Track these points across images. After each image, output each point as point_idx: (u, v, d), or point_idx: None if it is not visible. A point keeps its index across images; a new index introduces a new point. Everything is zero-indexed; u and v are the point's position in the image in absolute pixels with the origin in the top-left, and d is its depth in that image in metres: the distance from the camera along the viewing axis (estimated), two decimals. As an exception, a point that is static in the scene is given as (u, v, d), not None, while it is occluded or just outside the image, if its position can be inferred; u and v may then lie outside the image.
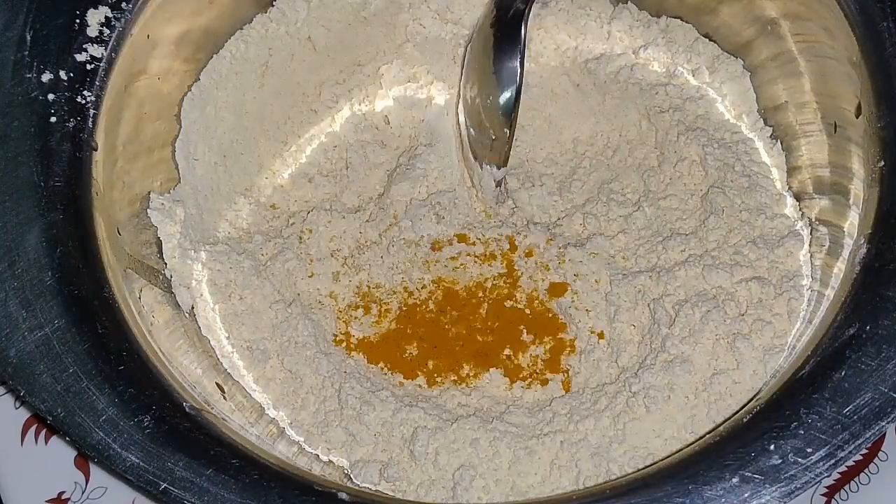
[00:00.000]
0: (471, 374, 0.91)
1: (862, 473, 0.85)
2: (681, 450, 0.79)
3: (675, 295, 0.89)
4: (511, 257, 0.96)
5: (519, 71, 0.91)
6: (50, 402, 0.72)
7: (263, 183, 1.00)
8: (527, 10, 0.92)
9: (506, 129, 0.93)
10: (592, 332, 0.92)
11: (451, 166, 1.01)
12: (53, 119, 0.80)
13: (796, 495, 0.68)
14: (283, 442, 0.85)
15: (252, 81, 0.99)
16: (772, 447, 0.70)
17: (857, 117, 0.84)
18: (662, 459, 0.79)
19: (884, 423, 0.70)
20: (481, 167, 0.98)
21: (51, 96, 0.81)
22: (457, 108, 1.02)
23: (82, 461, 0.85)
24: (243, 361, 0.89)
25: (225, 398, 0.84)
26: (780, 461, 0.69)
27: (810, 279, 0.87)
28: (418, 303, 0.95)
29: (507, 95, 0.92)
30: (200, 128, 0.96)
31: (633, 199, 0.97)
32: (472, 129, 0.99)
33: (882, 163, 0.80)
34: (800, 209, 0.93)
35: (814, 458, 0.69)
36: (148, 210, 0.89)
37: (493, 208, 0.99)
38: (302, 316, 0.90)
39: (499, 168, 0.96)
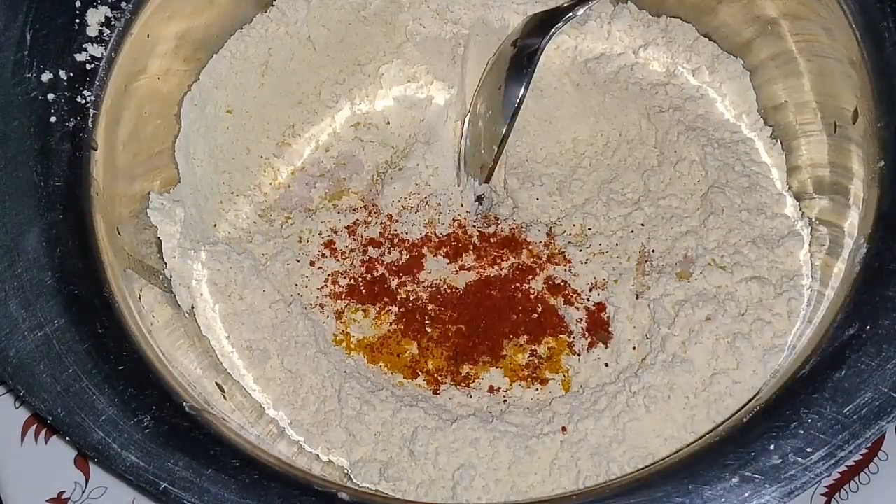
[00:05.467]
0: (471, 374, 0.91)
1: (862, 473, 0.85)
2: (681, 450, 0.79)
3: (674, 295, 0.89)
4: (511, 257, 0.96)
5: (522, 93, 0.93)
6: (50, 402, 0.72)
7: (263, 183, 1.00)
8: (543, 43, 0.94)
9: (494, 147, 0.94)
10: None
11: (448, 166, 1.02)
12: (53, 119, 0.80)
13: (796, 495, 0.68)
14: (283, 442, 0.85)
15: (252, 81, 0.99)
16: (772, 447, 0.70)
17: (853, 122, 0.84)
18: (662, 459, 0.79)
19: (884, 423, 0.70)
20: (467, 178, 0.98)
21: (51, 96, 0.81)
22: (465, 118, 1.03)
23: (82, 461, 0.85)
24: (243, 361, 0.89)
25: (225, 398, 0.84)
26: (780, 461, 0.69)
27: (810, 279, 0.87)
28: (418, 303, 0.95)
29: (506, 114, 0.94)
30: (200, 128, 0.96)
31: (633, 198, 0.97)
32: (468, 140, 1.00)
33: (882, 163, 0.80)
34: (800, 209, 0.93)
35: (814, 458, 0.69)
36: (148, 210, 0.89)
37: (478, 216, 0.99)
38: (302, 316, 0.90)
39: (480, 183, 0.97)
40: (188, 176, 0.94)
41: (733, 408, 0.82)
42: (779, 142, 0.96)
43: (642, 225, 0.95)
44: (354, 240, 0.98)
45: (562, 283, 0.94)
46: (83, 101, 0.82)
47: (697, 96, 1.00)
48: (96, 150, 0.82)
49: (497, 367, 0.91)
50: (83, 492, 0.84)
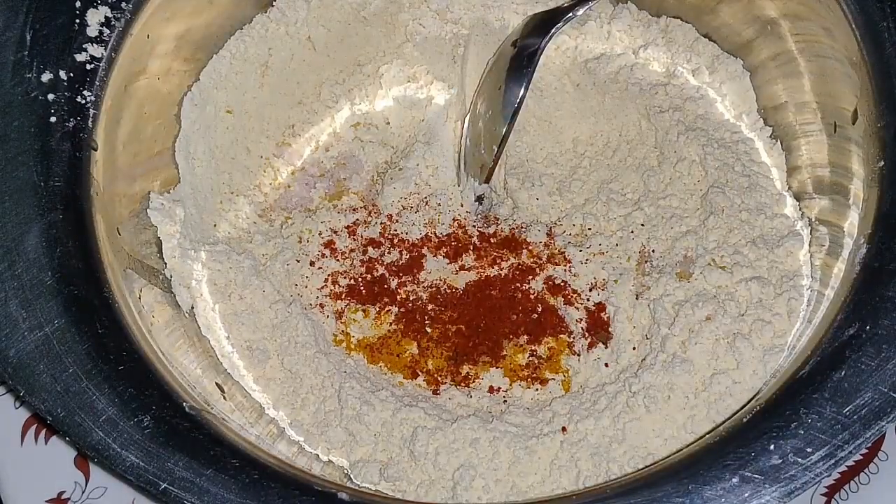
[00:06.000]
0: (471, 374, 0.91)
1: (862, 473, 0.85)
2: (681, 450, 0.79)
3: (674, 295, 0.89)
4: (511, 257, 0.96)
5: (522, 93, 0.93)
6: (50, 402, 0.72)
7: (263, 183, 1.00)
8: (543, 43, 0.94)
9: (494, 147, 0.94)
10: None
11: (448, 166, 1.02)
12: (53, 119, 0.80)
13: (796, 495, 0.68)
14: (283, 442, 0.85)
15: (252, 81, 0.99)
16: (772, 447, 0.70)
17: (853, 123, 0.84)
18: (662, 459, 0.79)
19: (884, 423, 0.70)
20: (467, 178, 0.98)
21: (51, 96, 0.81)
22: (465, 118, 1.03)
23: (82, 461, 0.85)
24: (243, 361, 0.89)
25: (225, 398, 0.84)
26: (780, 461, 0.69)
27: (810, 279, 0.87)
28: (418, 303, 0.95)
29: (506, 114, 0.93)
30: (200, 128, 0.96)
31: (633, 198, 0.97)
32: (468, 140, 1.00)
33: (882, 163, 0.80)
34: (800, 209, 0.93)
35: (814, 458, 0.69)
36: (148, 210, 0.89)
37: (478, 216, 0.99)
38: (302, 316, 0.90)
39: (480, 183, 0.97)
40: (188, 176, 0.94)
41: (733, 408, 0.82)
42: (779, 142, 0.96)
43: (642, 225, 0.95)
44: (354, 240, 0.98)
45: (562, 283, 0.94)
46: (83, 101, 0.82)
47: (697, 96, 1.00)
48: (96, 150, 0.82)
49: (497, 368, 0.91)
50: (83, 492, 0.84)
